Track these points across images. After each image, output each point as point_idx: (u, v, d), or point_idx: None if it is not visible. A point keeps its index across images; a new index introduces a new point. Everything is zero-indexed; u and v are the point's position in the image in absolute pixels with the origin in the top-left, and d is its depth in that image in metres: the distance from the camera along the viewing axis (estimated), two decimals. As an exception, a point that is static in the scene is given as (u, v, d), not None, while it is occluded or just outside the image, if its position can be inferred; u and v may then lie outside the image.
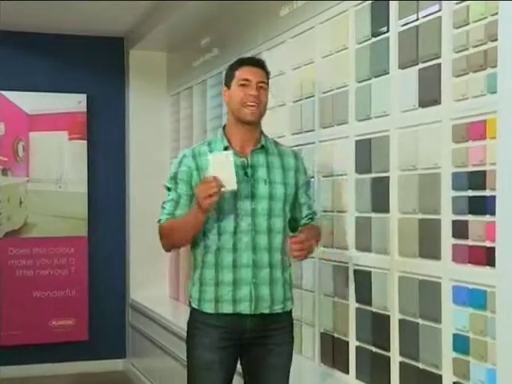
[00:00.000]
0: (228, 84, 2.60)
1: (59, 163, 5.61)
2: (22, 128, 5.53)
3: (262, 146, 2.60)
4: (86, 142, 5.65)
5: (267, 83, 2.60)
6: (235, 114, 2.58)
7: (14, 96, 5.49)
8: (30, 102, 5.52)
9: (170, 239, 2.61)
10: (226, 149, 2.56)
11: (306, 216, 2.71)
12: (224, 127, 2.64)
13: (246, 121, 2.56)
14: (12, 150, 5.52)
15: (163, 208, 2.60)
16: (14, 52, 5.55)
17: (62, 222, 5.61)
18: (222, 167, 2.39)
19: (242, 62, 2.60)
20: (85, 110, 5.64)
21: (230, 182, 2.39)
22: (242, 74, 2.56)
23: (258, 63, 2.61)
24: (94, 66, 5.72)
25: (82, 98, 5.64)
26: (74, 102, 5.62)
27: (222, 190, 2.38)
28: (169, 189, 2.61)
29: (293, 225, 2.68)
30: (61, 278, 5.59)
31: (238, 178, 2.48)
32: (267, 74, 2.62)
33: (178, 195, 2.57)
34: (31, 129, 5.55)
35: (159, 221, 2.60)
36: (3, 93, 5.47)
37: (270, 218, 2.55)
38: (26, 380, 5.39)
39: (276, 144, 2.69)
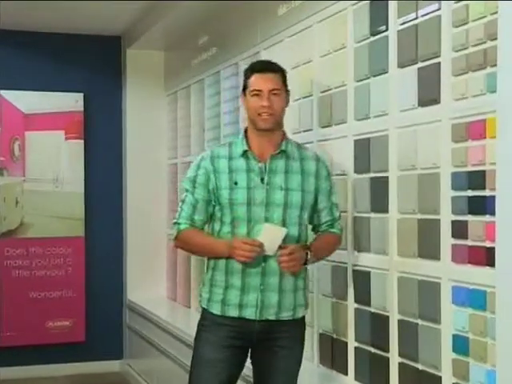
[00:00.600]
0: (244, 91, 2.62)
1: (56, 163, 5.60)
2: (19, 127, 5.52)
3: (282, 151, 2.59)
4: (82, 141, 5.65)
5: (282, 87, 2.58)
6: (251, 121, 2.60)
7: (10, 95, 5.49)
8: (26, 101, 5.52)
9: (186, 248, 2.72)
10: (245, 153, 2.57)
11: (325, 222, 2.69)
12: (246, 129, 2.65)
13: (261, 129, 2.57)
14: (8, 150, 5.51)
15: (181, 209, 2.63)
16: (11, 51, 5.54)
17: (59, 222, 5.60)
18: (271, 237, 2.46)
19: (253, 69, 2.60)
20: (82, 109, 5.64)
21: (269, 250, 2.48)
22: (253, 83, 2.57)
23: (268, 68, 2.60)
24: (91, 64, 5.71)
25: (79, 97, 5.63)
26: (71, 102, 5.61)
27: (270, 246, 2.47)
28: (187, 190, 2.63)
29: (315, 231, 2.69)
30: (57, 279, 5.58)
31: (254, 184, 2.50)
32: (283, 74, 2.61)
33: (196, 200, 2.60)
34: (27, 128, 5.54)
35: (178, 224, 2.62)
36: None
37: (285, 226, 2.54)
38: (22, 381, 5.37)
39: (299, 147, 2.69)
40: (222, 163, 2.57)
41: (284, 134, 2.65)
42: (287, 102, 2.65)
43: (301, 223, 2.59)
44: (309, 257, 2.55)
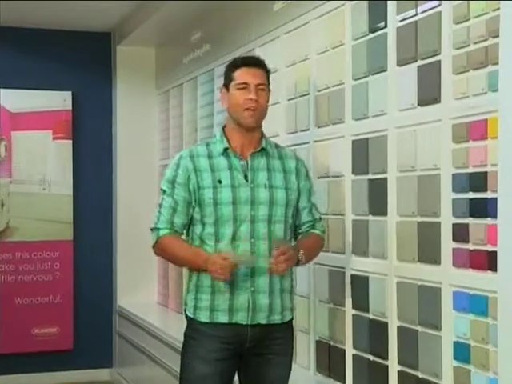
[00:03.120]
0: (227, 85, 2.61)
1: (43, 164, 5.60)
2: (5, 127, 5.52)
3: (263, 149, 2.60)
4: (71, 141, 5.65)
5: (267, 84, 2.60)
6: (234, 117, 2.59)
7: (-5, 93, 5.49)
8: (12, 99, 5.51)
9: (166, 257, 2.68)
10: (225, 150, 2.57)
11: (306, 223, 2.68)
12: (224, 127, 2.64)
13: (245, 125, 2.57)
14: (-6, 150, 5.51)
15: (159, 213, 2.59)
16: (-4, 47, 5.54)
17: (47, 226, 5.59)
18: (245, 258, 2.47)
19: (241, 63, 2.60)
20: (70, 108, 5.63)
21: (248, 263, 2.49)
22: (240, 76, 2.56)
23: (257, 63, 2.60)
24: (79, 62, 5.71)
25: (67, 95, 5.63)
26: (59, 100, 5.61)
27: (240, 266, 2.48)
28: (164, 192, 2.60)
29: (295, 232, 2.68)
30: (45, 284, 5.58)
31: (238, 182, 2.50)
32: (267, 73, 2.62)
33: (175, 201, 2.57)
34: (14, 128, 5.54)
35: (157, 229, 2.58)
36: (-16, 90, 5.46)
37: (270, 224, 2.54)
38: (8, 391, 5.38)
39: (277, 146, 2.70)
40: (203, 162, 2.56)
41: (262, 132, 2.65)
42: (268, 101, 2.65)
43: (286, 221, 2.59)
44: (300, 257, 2.53)
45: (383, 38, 2.81)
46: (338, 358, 3.10)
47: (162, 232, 2.58)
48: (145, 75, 5.71)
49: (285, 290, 2.60)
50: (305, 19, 3.38)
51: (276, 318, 2.58)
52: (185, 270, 4.87)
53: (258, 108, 2.55)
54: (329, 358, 3.18)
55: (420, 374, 2.61)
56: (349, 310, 3.03)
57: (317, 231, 2.71)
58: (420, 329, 2.61)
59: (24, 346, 5.54)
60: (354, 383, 3.00)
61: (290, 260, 2.47)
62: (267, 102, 2.61)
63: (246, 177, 2.56)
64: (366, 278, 2.91)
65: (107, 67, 5.79)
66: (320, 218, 2.74)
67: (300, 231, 2.69)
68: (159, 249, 2.61)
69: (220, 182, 2.53)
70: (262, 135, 2.64)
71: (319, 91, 3.26)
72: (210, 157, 2.58)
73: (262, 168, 2.58)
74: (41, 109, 5.58)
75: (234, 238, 2.52)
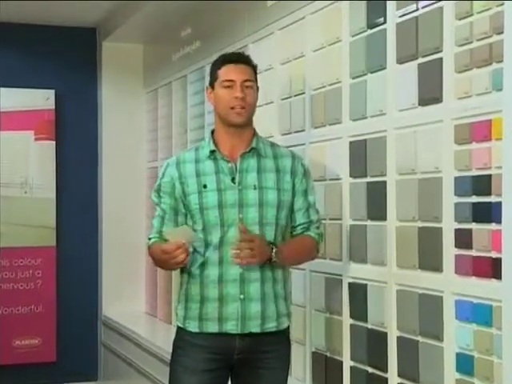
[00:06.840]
0: (212, 84, 2.63)
1: (24, 166, 5.58)
2: (-16, 127, 5.51)
3: (253, 149, 2.61)
4: (54, 142, 5.63)
5: (254, 80, 2.61)
6: (221, 117, 2.60)
7: (-26, 92, 5.47)
8: (-8, 98, 5.50)
9: (156, 264, 2.68)
10: (212, 153, 2.58)
11: (300, 225, 2.66)
12: (213, 131, 2.66)
13: (233, 124, 2.58)
14: (-28, 152, 5.49)
15: (152, 224, 2.67)
16: (-26, 43, 5.53)
17: (28, 231, 5.57)
18: (180, 234, 2.45)
19: (224, 60, 2.62)
20: (53, 107, 5.62)
21: (192, 237, 2.46)
22: (225, 73, 2.58)
23: (241, 59, 2.62)
24: (63, 59, 5.70)
25: (50, 94, 5.62)
26: (41, 99, 5.59)
27: (187, 244, 2.43)
28: (156, 203, 2.67)
29: (291, 234, 2.68)
30: (26, 293, 5.55)
31: (225, 185, 2.52)
32: (254, 68, 2.63)
33: (163, 210, 2.63)
34: (-7, 128, 5.53)
35: (148, 239, 2.66)
36: (-38, 88, 5.45)
37: (261, 227, 2.54)
38: (-13, 405, 5.36)
39: (272, 145, 2.70)
40: (189, 168, 2.59)
41: (254, 131, 2.66)
42: (257, 99, 2.65)
43: (277, 224, 2.58)
44: (273, 253, 2.51)
45: (382, 34, 2.82)
46: (335, 370, 3.10)
47: (150, 241, 2.65)
48: (132, 73, 5.71)
49: (279, 295, 2.60)
50: (300, 14, 3.39)
51: (270, 326, 2.57)
52: (175, 278, 4.88)
53: (246, 106, 2.56)
54: (325, 370, 3.18)
55: (421, 387, 2.62)
56: (346, 320, 3.03)
57: (310, 233, 2.68)
58: (421, 339, 2.62)
59: (4, 358, 5.51)
60: (351, 397, 3.01)
61: (255, 250, 2.44)
62: (257, 99, 2.62)
63: (233, 179, 2.56)
64: (365, 286, 2.92)
65: (92, 64, 5.78)
66: (317, 220, 2.71)
67: (294, 233, 2.68)
68: (151, 257, 2.68)
69: (205, 186, 2.55)
70: (254, 134, 2.65)
71: (315, 90, 3.27)
72: (196, 162, 2.60)
73: (252, 169, 2.59)
74: (22, 108, 5.56)
75: (221, 243, 2.53)
